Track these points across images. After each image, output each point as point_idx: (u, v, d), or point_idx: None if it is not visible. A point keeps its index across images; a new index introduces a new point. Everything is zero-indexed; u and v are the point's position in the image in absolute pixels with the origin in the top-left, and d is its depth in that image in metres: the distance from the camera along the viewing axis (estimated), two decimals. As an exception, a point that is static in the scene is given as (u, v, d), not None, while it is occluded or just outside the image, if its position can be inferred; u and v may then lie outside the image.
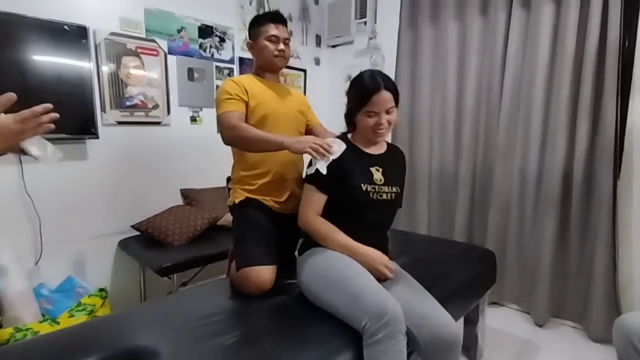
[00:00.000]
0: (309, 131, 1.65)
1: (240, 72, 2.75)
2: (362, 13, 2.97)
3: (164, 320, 1.18)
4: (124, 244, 2.19)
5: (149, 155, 2.34)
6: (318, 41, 3.32)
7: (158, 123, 2.36)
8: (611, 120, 1.89)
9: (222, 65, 2.65)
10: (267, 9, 2.87)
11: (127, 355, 1.00)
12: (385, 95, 1.23)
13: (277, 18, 1.54)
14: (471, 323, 1.81)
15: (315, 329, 1.10)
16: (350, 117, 1.34)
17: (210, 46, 2.59)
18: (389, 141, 1.48)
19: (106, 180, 2.16)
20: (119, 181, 2.21)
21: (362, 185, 1.26)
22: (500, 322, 2.18)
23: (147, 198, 2.32)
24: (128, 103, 2.20)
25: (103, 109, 2.10)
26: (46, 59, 1.83)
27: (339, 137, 1.36)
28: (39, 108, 0.77)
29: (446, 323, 1.15)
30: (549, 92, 2.11)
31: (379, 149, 1.38)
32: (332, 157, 1.23)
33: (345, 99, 1.36)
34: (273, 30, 1.51)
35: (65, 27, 1.88)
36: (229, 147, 1.56)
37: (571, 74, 2.00)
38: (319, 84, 3.31)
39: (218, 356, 0.99)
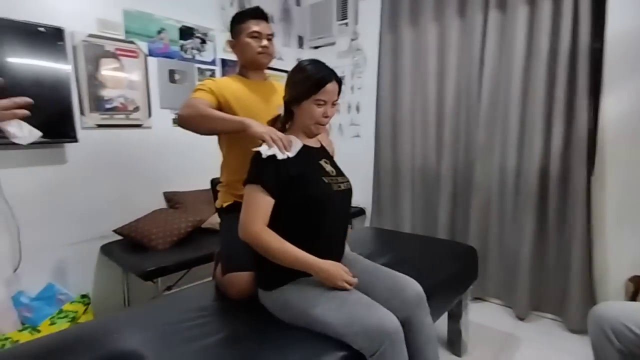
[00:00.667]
0: None
1: (223, 74, 2.74)
2: (343, 14, 3.00)
3: (149, 324, 1.17)
4: (106, 249, 2.16)
5: (130, 158, 2.30)
6: (300, 42, 3.34)
7: (139, 126, 2.33)
8: (584, 119, 1.96)
9: (203, 66, 2.64)
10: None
11: (111, 361, 0.99)
12: (335, 86, 1.21)
13: (258, 14, 1.49)
14: (455, 318, 1.85)
15: (301, 330, 1.11)
16: (290, 107, 1.25)
17: (192, 48, 2.57)
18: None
19: (87, 185, 2.12)
20: (100, 185, 2.18)
21: (323, 178, 1.21)
22: (483, 316, 2.23)
23: (130, 202, 2.29)
24: (108, 106, 2.17)
25: (82, 112, 2.07)
26: (22, 61, 1.79)
27: (277, 128, 1.29)
28: (20, 100, 0.79)
29: (407, 284, 1.20)
30: (525, 91, 2.17)
31: (316, 143, 1.33)
32: (287, 154, 1.15)
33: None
34: (254, 26, 1.47)
35: (40, 28, 1.84)
36: (216, 148, 1.55)
37: (546, 74, 2.06)
38: (302, 85, 3.32)
39: (204, 357, 0.99)
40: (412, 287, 1.20)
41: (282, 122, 1.30)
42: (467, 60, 2.39)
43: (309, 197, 1.17)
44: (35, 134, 0.85)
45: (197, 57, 2.61)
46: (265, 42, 1.48)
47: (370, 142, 2.93)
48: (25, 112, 0.82)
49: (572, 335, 2.05)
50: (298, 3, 3.28)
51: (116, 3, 2.19)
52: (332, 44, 3.15)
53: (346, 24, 2.99)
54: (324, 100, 1.19)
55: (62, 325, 1.68)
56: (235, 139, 1.43)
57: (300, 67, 1.24)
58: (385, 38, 2.74)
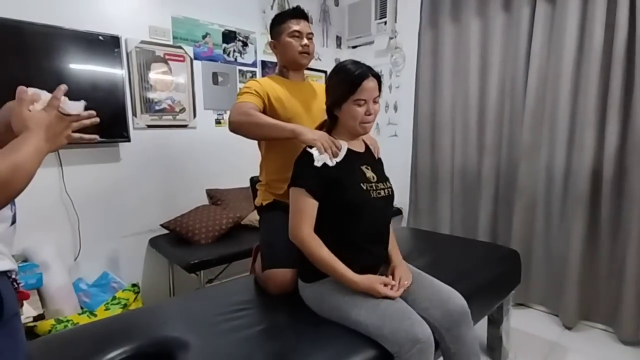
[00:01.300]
0: None
1: (263, 75, 2.81)
2: (382, 13, 2.98)
3: (193, 313, 1.24)
4: (154, 242, 2.30)
5: (176, 157, 2.44)
6: (338, 42, 3.35)
7: (185, 126, 2.45)
8: (643, 116, 1.82)
9: (245, 69, 2.73)
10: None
11: (159, 345, 1.07)
12: (373, 82, 1.20)
13: (297, 13, 1.50)
14: (495, 323, 1.80)
15: (336, 325, 1.13)
16: (332, 111, 1.26)
17: (234, 51, 2.67)
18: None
19: (137, 181, 2.27)
20: (149, 182, 2.32)
21: (362, 185, 1.20)
22: (527, 323, 2.14)
23: (175, 198, 2.42)
24: (157, 107, 2.31)
25: (134, 114, 2.21)
26: (82, 68, 1.95)
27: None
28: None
29: (450, 297, 1.18)
30: (576, 88, 2.05)
31: (361, 146, 1.33)
32: (336, 160, 1.17)
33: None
34: (295, 25, 1.48)
35: (100, 37, 2.00)
36: (255, 148, 1.60)
37: (599, 70, 1.94)
38: (340, 85, 3.34)
39: (244, 347, 1.04)
40: (455, 300, 1.18)
41: (328, 128, 1.31)
42: (511, 56, 2.29)
43: (345, 202, 1.18)
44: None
45: (239, 60, 2.70)
46: (305, 41, 1.49)
47: (408, 142, 2.89)
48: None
49: (625, 347, 1.92)
50: (336, 3, 3.30)
51: (165, 10, 2.32)
52: (371, 43, 3.14)
53: (385, 22, 2.97)
54: (363, 99, 1.19)
55: (115, 310, 1.82)
56: (274, 140, 1.47)
57: (336, 69, 1.25)
58: (425, 35, 2.69)
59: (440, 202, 2.71)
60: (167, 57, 2.32)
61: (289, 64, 1.55)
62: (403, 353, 1.00)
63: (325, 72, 3.22)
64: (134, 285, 2.00)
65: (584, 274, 2.06)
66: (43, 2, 1.87)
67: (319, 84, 1.68)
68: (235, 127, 1.37)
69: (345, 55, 3.36)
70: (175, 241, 2.22)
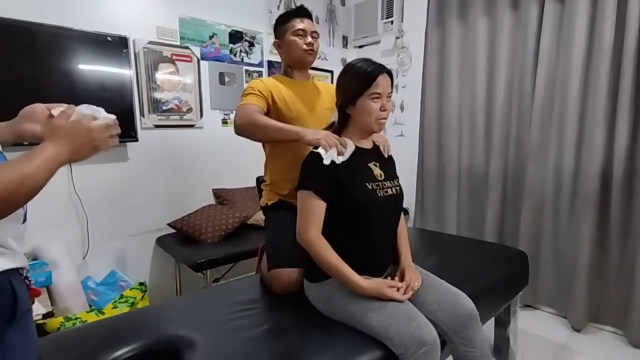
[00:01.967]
0: None
1: (269, 75, 2.82)
2: (388, 13, 2.97)
3: (199, 312, 1.25)
4: (161, 241, 2.32)
5: (183, 156, 2.46)
6: (345, 42, 3.35)
7: (192, 126, 2.47)
8: (654, 116, 1.80)
9: (251, 69, 2.74)
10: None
11: (166, 343, 1.08)
12: (387, 78, 1.19)
13: (301, 12, 1.51)
14: (502, 325, 1.78)
15: (342, 325, 1.13)
16: (344, 109, 1.23)
17: (240, 51, 2.68)
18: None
19: (145, 181, 2.29)
20: (156, 181, 2.34)
21: (367, 184, 1.19)
22: (535, 325, 2.12)
23: (182, 197, 2.44)
24: (164, 107, 2.33)
25: (142, 114, 2.23)
26: (91, 68, 1.98)
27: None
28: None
29: (458, 300, 1.17)
30: (585, 88, 2.03)
31: (369, 143, 1.30)
32: (341, 159, 1.16)
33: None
34: (299, 24, 1.48)
35: (108, 38, 2.02)
36: (260, 148, 1.61)
37: (609, 69, 1.91)
38: (346, 85, 3.33)
39: (250, 346, 1.04)
40: (464, 303, 1.17)
41: (337, 128, 1.30)
42: (519, 56, 2.27)
43: (351, 202, 1.17)
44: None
45: (246, 60, 2.71)
46: (310, 39, 1.49)
47: (415, 141, 2.88)
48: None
49: (635, 350, 1.89)
50: (343, 3, 3.29)
51: (172, 11, 2.34)
52: (377, 42, 3.13)
53: (391, 21, 2.96)
54: (378, 93, 1.17)
55: (123, 309, 1.84)
56: (276, 144, 1.48)
57: (347, 67, 1.24)
58: (432, 35, 2.68)
59: (447, 202, 2.70)
60: (174, 57, 2.34)
61: (293, 63, 1.55)
62: (409, 355, 1.00)
63: (331, 72, 3.22)
64: (141, 283, 2.02)
65: (593, 275, 2.04)
66: (52, 3, 1.90)
67: (324, 84, 1.68)
68: (241, 131, 1.38)
69: (352, 54, 3.36)
70: (182, 240, 2.24)
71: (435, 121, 2.72)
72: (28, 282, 0.74)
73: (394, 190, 1.25)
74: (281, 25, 1.53)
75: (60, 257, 1.84)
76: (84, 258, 2.09)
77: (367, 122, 1.21)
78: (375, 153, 1.31)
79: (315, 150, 1.19)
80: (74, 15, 1.95)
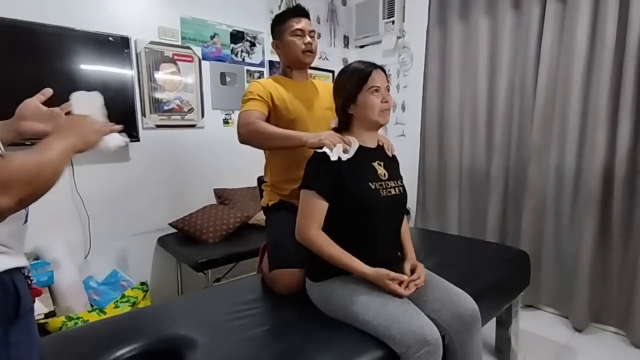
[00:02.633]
0: None
1: (270, 75, 2.82)
2: (389, 12, 2.97)
3: (201, 312, 1.25)
4: (162, 241, 2.32)
5: (184, 156, 2.46)
6: (346, 42, 3.35)
7: (193, 126, 2.47)
8: (656, 115, 1.79)
9: (252, 69, 2.74)
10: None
11: (167, 343, 1.08)
12: (381, 74, 1.21)
13: (298, 12, 1.50)
14: (504, 325, 1.78)
15: (344, 325, 1.13)
16: (346, 110, 1.24)
17: (242, 51, 2.68)
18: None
19: (146, 181, 2.30)
20: (157, 181, 2.34)
21: (371, 184, 1.19)
22: (536, 325, 2.11)
23: (184, 197, 2.44)
24: (166, 107, 2.33)
25: (143, 114, 2.24)
26: (93, 68, 1.98)
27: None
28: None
29: (461, 300, 1.17)
30: (587, 87, 2.02)
31: (374, 142, 1.31)
32: (347, 156, 1.16)
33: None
34: (296, 24, 1.47)
35: (110, 38, 2.02)
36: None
37: (611, 68, 1.91)
38: (347, 85, 3.33)
39: (252, 346, 1.05)
40: (467, 304, 1.17)
41: (339, 131, 1.29)
42: (521, 55, 2.27)
43: (354, 201, 1.17)
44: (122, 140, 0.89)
45: (247, 60, 2.71)
46: (308, 39, 1.48)
47: (416, 141, 2.88)
48: (120, 126, 0.90)
49: (637, 351, 1.89)
50: (344, 3, 3.29)
51: (174, 11, 2.34)
52: (378, 42, 3.13)
53: (392, 21, 2.95)
54: (377, 86, 1.19)
55: (125, 308, 1.84)
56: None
57: (341, 71, 1.27)
58: (433, 34, 2.67)
59: (448, 202, 2.70)
60: (175, 57, 2.34)
61: (292, 64, 1.54)
62: (411, 354, 0.99)
63: (332, 71, 3.21)
64: (142, 283, 2.03)
65: (595, 275, 2.03)
66: (54, 3, 1.90)
67: (322, 83, 1.68)
68: (244, 139, 1.38)
69: (353, 54, 3.36)
70: (184, 240, 2.24)
71: (437, 121, 2.72)
72: (29, 282, 0.74)
73: (397, 190, 1.25)
74: (279, 25, 1.52)
75: (62, 257, 1.84)
76: (85, 258, 2.09)
77: (370, 116, 1.21)
78: (380, 152, 1.31)
79: (320, 151, 1.19)
80: (75, 16, 1.95)
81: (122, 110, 2.09)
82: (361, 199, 1.17)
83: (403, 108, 3.09)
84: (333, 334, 1.10)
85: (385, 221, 1.24)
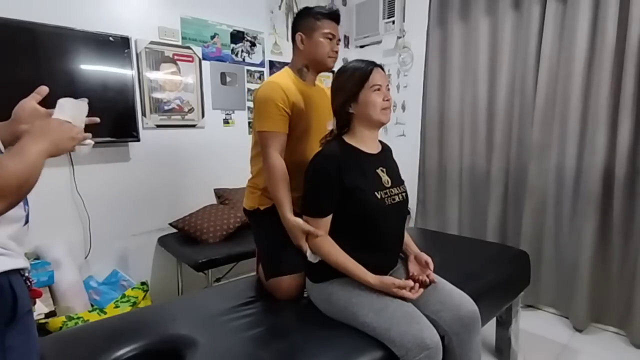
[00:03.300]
0: None
1: (270, 75, 2.81)
2: (390, 12, 2.97)
3: (201, 312, 1.25)
4: (162, 241, 2.32)
5: (185, 156, 2.46)
6: (346, 42, 3.34)
7: (193, 126, 2.47)
8: (657, 115, 1.79)
9: (252, 69, 2.74)
10: (295, 13, 2.93)
11: (167, 343, 1.08)
12: (381, 72, 1.21)
13: (336, 17, 1.43)
14: (504, 325, 1.78)
15: (344, 326, 1.13)
16: (346, 110, 1.21)
17: (242, 51, 2.68)
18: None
19: (147, 181, 2.30)
20: (158, 181, 2.34)
21: (376, 193, 1.17)
22: (537, 325, 2.11)
23: (184, 197, 2.44)
24: (166, 107, 2.33)
25: (144, 114, 2.24)
26: (93, 68, 1.98)
27: (332, 139, 1.26)
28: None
29: (462, 302, 1.17)
30: (587, 87, 2.02)
31: (376, 147, 1.29)
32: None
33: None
34: (330, 27, 1.40)
35: (110, 38, 2.02)
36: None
37: (612, 68, 1.91)
38: (347, 85, 3.33)
39: (252, 346, 1.05)
40: (467, 306, 1.17)
41: (338, 132, 1.27)
42: (521, 55, 2.27)
43: (359, 210, 1.16)
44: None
45: (247, 60, 2.71)
46: (337, 47, 1.44)
47: (416, 141, 2.88)
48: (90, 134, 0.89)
49: (637, 351, 1.89)
50: (344, 3, 3.29)
51: (174, 11, 2.34)
52: (378, 42, 3.13)
53: (392, 21, 2.95)
54: (378, 84, 1.19)
55: (125, 308, 1.84)
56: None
57: (340, 70, 1.24)
58: (433, 34, 2.67)
59: (449, 202, 2.69)
60: (176, 57, 2.34)
61: (314, 64, 1.46)
62: (410, 358, 1.00)
63: (333, 71, 3.20)
64: (143, 283, 2.02)
65: (595, 275, 2.03)
66: (54, 4, 1.90)
67: (325, 87, 1.63)
68: (266, 175, 1.34)
69: (353, 54, 3.36)
70: (184, 240, 2.24)
71: (437, 121, 2.72)
72: (29, 283, 0.74)
73: (400, 197, 1.25)
74: (310, 21, 1.41)
75: (63, 257, 1.84)
76: (86, 258, 2.09)
77: (372, 115, 1.19)
78: (382, 157, 1.29)
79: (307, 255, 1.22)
80: (76, 16, 1.95)
81: (122, 110, 2.09)
82: (366, 209, 1.16)
83: (403, 108, 3.09)
84: (333, 334, 1.10)
85: (389, 229, 1.23)
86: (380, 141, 1.35)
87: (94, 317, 1.73)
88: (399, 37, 3.00)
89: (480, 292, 1.40)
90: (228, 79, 2.62)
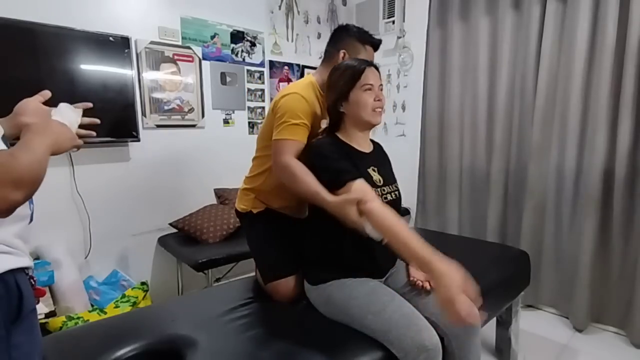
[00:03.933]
0: None
1: (270, 75, 2.82)
2: (390, 12, 2.97)
3: (201, 312, 1.25)
4: (162, 241, 2.32)
5: (185, 156, 2.46)
6: (346, 42, 3.34)
7: (193, 126, 2.47)
8: (657, 116, 1.79)
9: (252, 69, 2.74)
10: (295, 13, 2.94)
11: (167, 343, 1.08)
12: (375, 72, 1.19)
13: (376, 46, 1.49)
14: (504, 325, 1.78)
15: (344, 326, 1.13)
16: (338, 108, 1.20)
17: (242, 51, 2.68)
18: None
19: (147, 180, 2.30)
20: (158, 181, 2.34)
21: None
22: (537, 325, 2.11)
23: (184, 197, 2.44)
24: (166, 107, 2.33)
25: (144, 114, 2.24)
26: (93, 68, 1.98)
27: (325, 135, 1.24)
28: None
29: None
30: (587, 87, 2.02)
31: (368, 146, 1.27)
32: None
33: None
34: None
35: (110, 38, 2.02)
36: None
37: (612, 68, 1.91)
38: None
39: (251, 346, 1.05)
40: None
41: (330, 130, 1.26)
42: (521, 55, 2.27)
43: None
44: None
45: (247, 60, 2.71)
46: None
47: (416, 141, 2.88)
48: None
49: (637, 351, 1.89)
50: (344, 3, 3.29)
51: (174, 11, 2.34)
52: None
53: (392, 21, 2.95)
54: (370, 84, 1.17)
55: (125, 308, 1.84)
56: None
57: (335, 68, 1.24)
58: (434, 34, 2.67)
59: (449, 202, 2.69)
60: (176, 57, 2.34)
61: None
62: (409, 358, 0.99)
63: (332, 71, 3.21)
64: (143, 283, 2.03)
65: (595, 275, 2.03)
66: (55, 3, 1.90)
67: None
68: (283, 179, 1.22)
69: (353, 54, 3.35)
70: (184, 240, 2.24)
71: (437, 121, 2.72)
72: (33, 282, 0.74)
73: (393, 196, 1.24)
74: (357, 45, 1.41)
75: (63, 257, 1.84)
76: (86, 258, 2.09)
77: (362, 115, 1.18)
78: (373, 157, 1.28)
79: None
80: (76, 16, 1.95)
81: (122, 110, 2.09)
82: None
83: (403, 108, 3.08)
84: (333, 334, 1.10)
85: None
86: (371, 140, 1.34)
87: (94, 317, 1.73)
88: (399, 37, 3.00)
89: (481, 292, 1.39)
90: (228, 79, 2.62)
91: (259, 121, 2.80)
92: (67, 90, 1.91)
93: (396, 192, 1.26)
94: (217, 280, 2.26)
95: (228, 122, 2.64)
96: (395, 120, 3.12)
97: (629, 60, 1.84)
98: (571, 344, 1.96)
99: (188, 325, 1.15)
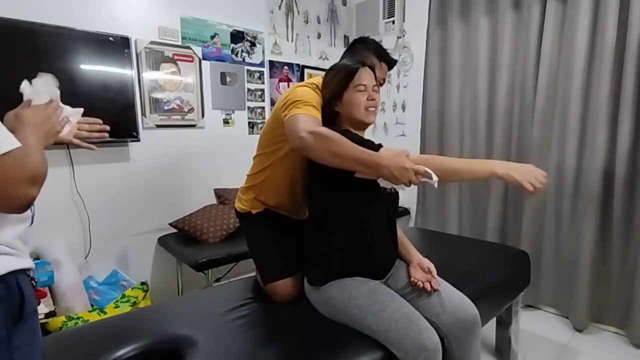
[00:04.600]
0: None
1: (270, 75, 2.82)
2: (390, 12, 2.97)
3: (201, 312, 1.25)
4: (162, 241, 2.32)
5: (185, 156, 2.46)
6: (346, 42, 3.34)
7: (193, 126, 2.47)
8: (657, 115, 1.79)
9: (252, 69, 2.74)
10: (296, 13, 2.94)
11: (167, 343, 1.08)
12: (369, 72, 1.20)
13: (385, 60, 1.45)
14: (504, 325, 1.78)
15: (345, 326, 1.13)
16: (332, 108, 1.20)
17: (242, 51, 2.68)
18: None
19: (146, 181, 2.30)
20: (158, 181, 2.34)
21: (364, 185, 1.14)
22: (537, 325, 2.11)
23: (184, 197, 2.44)
24: (166, 107, 2.33)
25: (144, 114, 2.24)
26: (93, 68, 1.98)
27: None
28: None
29: (463, 305, 1.17)
30: (587, 87, 2.02)
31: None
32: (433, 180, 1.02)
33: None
34: (383, 74, 1.41)
35: (110, 38, 2.02)
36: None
37: (612, 68, 1.91)
38: (347, 84, 3.33)
39: (251, 346, 1.05)
40: (468, 309, 1.16)
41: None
42: (521, 55, 2.27)
43: (349, 203, 1.16)
44: None
45: (247, 60, 2.71)
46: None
47: (416, 141, 2.88)
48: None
49: (637, 351, 1.89)
50: (344, 3, 3.29)
51: (174, 11, 2.34)
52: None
53: (392, 21, 2.96)
54: (363, 84, 1.18)
55: (125, 308, 1.84)
56: (284, 160, 1.34)
57: (331, 67, 1.26)
58: (433, 34, 2.67)
59: (448, 202, 2.69)
60: (175, 57, 2.34)
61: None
62: (409, 358, 0.99)
63: (332, 71, 3.21)
64: (143, 283, 2.02)
65: (595, 275, 2.03)
66: (55, 3, 1.90)
67: None
68: (309, 151, 1.09)
69: (353, 54, 3.35)
70: (184, 240, 2.24)
71: (437, 121, 2.72)
72: (34, 283, 0.74)
73: (390, 189, 1.23)
74: (373, 59, 1.38)
75: (63, 257, 1.84)
76: (85, 258, 2.09)
77: (355, 115, 1.19)
78: None
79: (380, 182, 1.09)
80: (76, 16, 1.95)
81: (122, 110, 2.09)
82: (354, 202, 1.16)
83: (403, 108, 3.09)
84: (333, 334, 1.10)
85: (379, 222, 1.22)
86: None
87: (94, 317, 1.73)
88: (399, 37, 3.00)
89: (481, 292, 1.39)
90: (228, 79, 2.62)
91: (259, 121, 2.80)
92: (67, 90, 1.89)
93: (392, 188, 1.25)
94: (217, 280, 2.26)
95: (228, 122, 2.64)
96: (395, 120, 3.12)
97: (629, 60, 1.84)
98: (571, 344, 1.96)
99: (188, 325, 1.15)
